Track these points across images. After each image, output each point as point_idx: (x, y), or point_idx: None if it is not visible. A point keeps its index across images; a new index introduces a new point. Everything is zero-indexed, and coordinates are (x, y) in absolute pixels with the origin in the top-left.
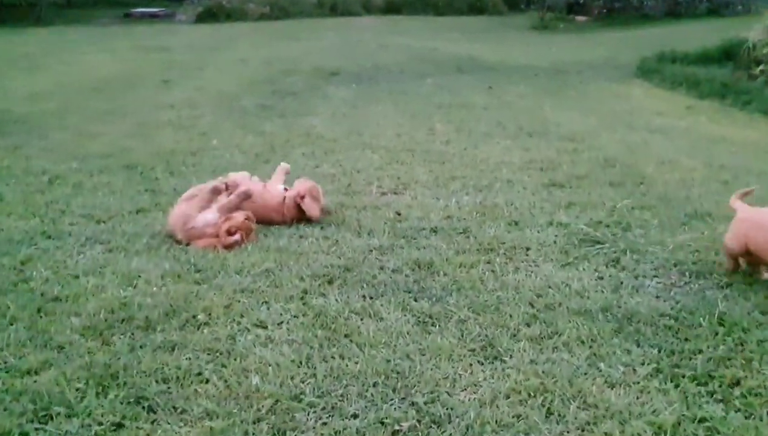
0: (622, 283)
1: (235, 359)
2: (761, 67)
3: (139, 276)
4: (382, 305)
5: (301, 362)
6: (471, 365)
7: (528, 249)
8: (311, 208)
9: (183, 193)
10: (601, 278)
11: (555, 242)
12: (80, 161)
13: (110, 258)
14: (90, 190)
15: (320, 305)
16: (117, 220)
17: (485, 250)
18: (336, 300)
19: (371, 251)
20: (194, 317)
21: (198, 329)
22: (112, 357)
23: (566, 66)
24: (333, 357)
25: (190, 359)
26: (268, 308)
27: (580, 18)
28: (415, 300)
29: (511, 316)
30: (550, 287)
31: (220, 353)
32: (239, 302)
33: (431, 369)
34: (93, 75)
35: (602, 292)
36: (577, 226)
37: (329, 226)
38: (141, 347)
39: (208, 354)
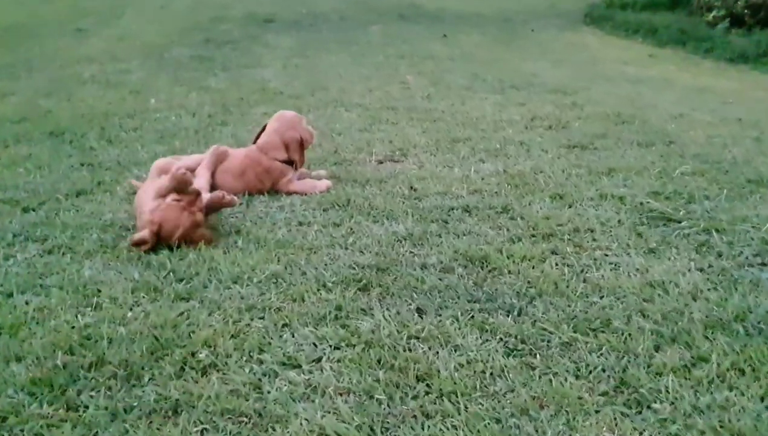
0: (732, 276)
1: (272, 429)
2: (714, 13)
3: (99, 291)
4: (450, 324)
5: (372, 431)
6: (615, 420)
7: (592, 231)
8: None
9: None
10: (702, 271)
11: (620, 222)
12: None
13: (52, 263)
14: (7, 166)
15: (366, 328)
16: (51, 206)
17: (544, 235)
18: (385, 319)
19: (400, 241)
20: (193, 354)
21: (203, 374)
22: None
23: (510, 14)
24: (416, 420)
25: (204, 432)
26: (293, 335)
27: None
28: (489, 314)
29: (630, 335)
30: (653, 287)
31: (247, 419)
32: (250, 326)
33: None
34: None
35: (717, 290)
36: (635, 199)
37: (332, 207)
38: (126, 411)
39: (231, 421)
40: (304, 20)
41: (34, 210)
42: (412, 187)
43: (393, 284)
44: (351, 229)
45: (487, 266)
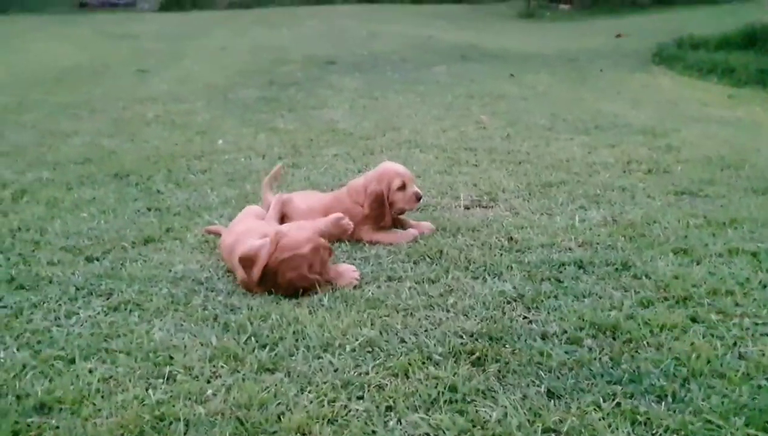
0: None
1: None
2: None
3: (172, 358)
4: (594, 413)
5: None
6: None
7: (732, 294)
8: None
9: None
10: None
11: (761, 283)
12: (51, 169)
13: (118, 323)
14: (70, 210)
15: (490, 417)
16: (117, 255)
17: (678, 299)
18: (511, 404)
19: (509, 303)
20: None
21: None
22: None
23: (574, 54)
24: None
25: None
26: (401, 422)
27: (564, 6)
28: (637, 400)
29: None
30: None
31: None
32: (348, 408)
33: None
34: (52, 64)
35: None
36: None
37: (423, 259)
38: None
39: None
40: (365, 62)
41: (98, 260)
42: (511, 238)
43: (512, 357)
44: (449, 286)
45: (619, 336)
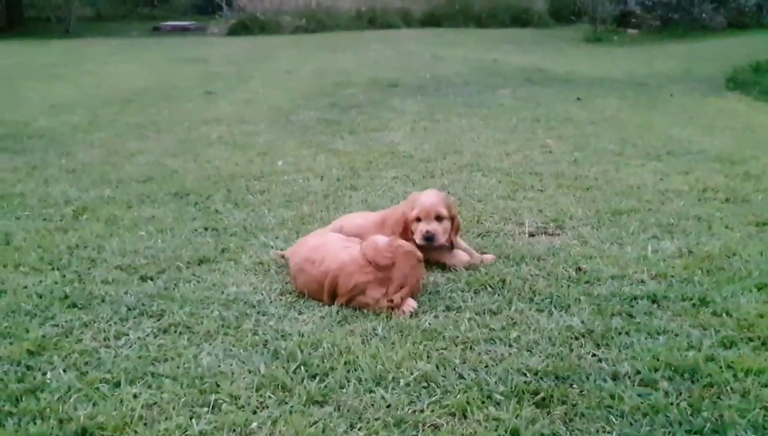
0: None
1: None
2: None
3: (218, 386)
4: None
5: None
6: None
7: None
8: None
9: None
10: None
11: None
12: (114, 187)
13: (167, 346)
14: (128, 229)
15: None
16: (171, 276)
17: (765, 339)
18: None
19: (577, 338)
20: None
21: None
22: None
23: (643, 78)
24: None
25: None
26: None
27: (632, 31)
28: None
29: None
30: None
31: None
32: None
33: None
34: (123, 86)
35: None
36: None
37: (484, 288)
38: None
39: None
40: (428, 85)
41: (152, 279)
42: (579, 268)
43: (579, 399)
44: (512, 319)
45: (699, 380)
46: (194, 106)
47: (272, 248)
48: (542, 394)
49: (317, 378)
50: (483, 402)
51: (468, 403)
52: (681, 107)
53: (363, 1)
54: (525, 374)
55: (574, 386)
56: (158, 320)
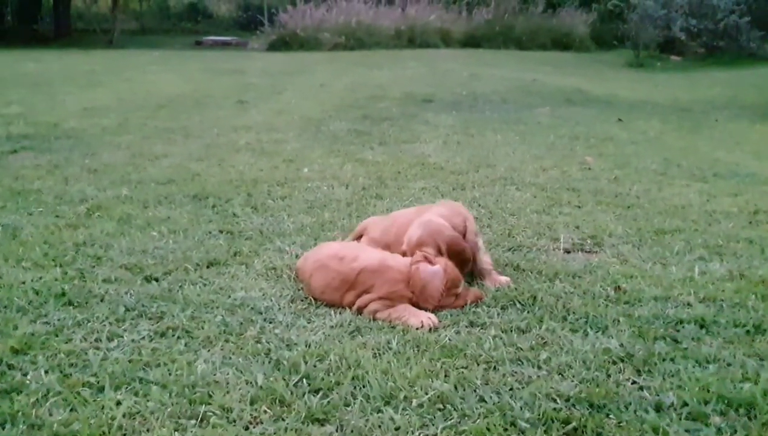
0: None
1: None
2: None
3: (210, 396)
4: None
5: None
6: None
7: None
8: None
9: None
10: None
11: None
12: (132, 187)
13: (161, 350)
14: (141, 228)
15: None
16: (177, 277)
17: None
18: None
19: (615, 363)
20: None
21: None
22: None
23: (687, 104)
24: None
25: None
26: None
27: (675, 58)
28: None
29: None
30: None
31: None
32: None
33: None
34: (158, 93)
35: None
36: None
37: (513, 304)
38: None
39: None
40: (463, 101)
41: (156, 280)
42: (618, 287)
43: (617, 432)
44: (542, 338)
45: (756, 416)
46: (225, 114)
47: (288, 253)
48: (574, 423)
49: (320, 393)
50: (505, 429)
51: (488, 429)
52: (727, 133)
53: (403, 20)
54: (555, 400)
55: (611, 416)
56: (157, 323)
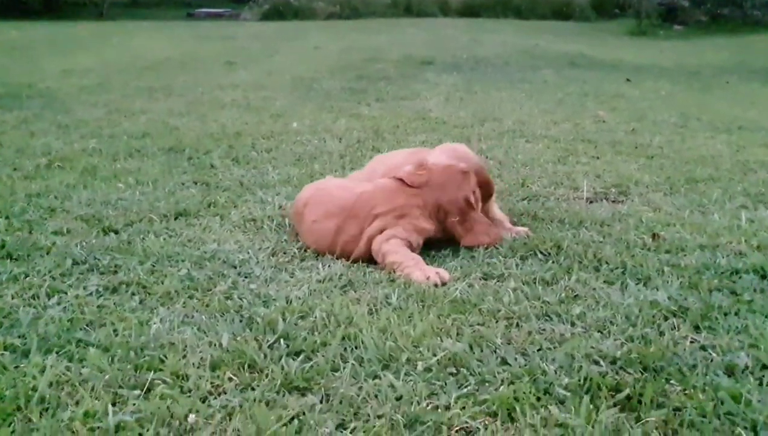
0: None
1: None
2: None
3: (162, 362)
4: None
5: None
6: None
7: None
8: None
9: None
10: None
11: None
12: (103, 141)
13: (110, 308)
14: (106, 179)
15: None
16: (140, 228)
17: None
18: None
19: (666, 317)
20: None
21: None
22: None
23: (694, 68)
24: None
25: None
26: None
27: (678, 27)
28: None
29: None
30: None
31: None
32: None
33: None
34: (144, 57)
35: None
36: None
37: (533, 254)
38: None
39: None
40: (465, 64)
41: (116, 232)
42: (655, 235)
43: (686, 401)
44: (572, 291)
45: None
46: (212, 75)
47: (270, 204)
48: (627, 391)
49: (301, 356)
50: (538, 398)
51: (516, 399)
52: (740, 93)
53: None
54: (597, 362)
55: (672, 381)
56: (109, 277)
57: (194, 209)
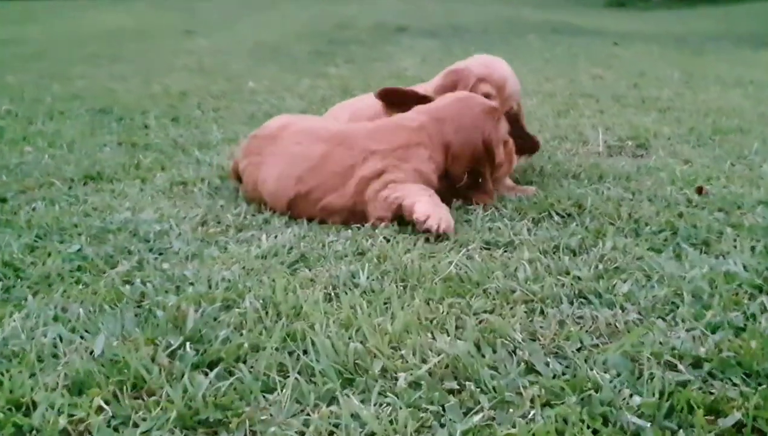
0: None
1: None
2: None
3: (7, 370)
4: None
5: None
6: None
7: None
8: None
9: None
10: None
11: None
12: (21, 104)
13: None
14: (12, 143)
15: None
16: (34, 196)
17: None
18: None
19: (752, 296)
20: None
21: None
22: None
23: (680, 35)
24: None
25: None
26: None
27: None
28: None
29: None
30: None
31: None
32: None
33: None
34: (96, 27)
35: None
36: None
37: (548, 215)
38: None
39: None
40: (442, 31)
41: (3, 200)
42: (700, 188)
43: None
44: (611, 261)
45: None
46: (168, 42)
47: (207, 165)
48: (737, 414)
49: (216, 370)
50: (595, 431)
51: (559, 433)
52: (734, 56)
53: None
54: (674, 366)
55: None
56: None
57: (110, 173)
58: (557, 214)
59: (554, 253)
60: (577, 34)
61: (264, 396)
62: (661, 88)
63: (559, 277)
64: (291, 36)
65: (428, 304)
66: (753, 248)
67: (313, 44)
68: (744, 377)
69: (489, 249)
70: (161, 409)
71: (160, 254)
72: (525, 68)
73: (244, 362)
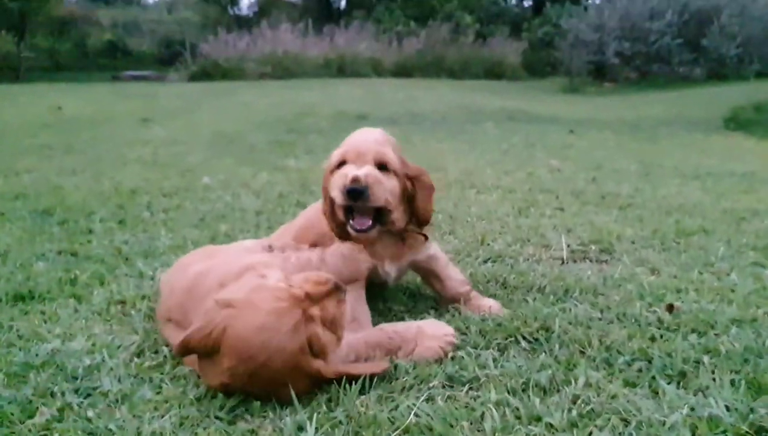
0: None
1: None
2: None
3: None
4: None
5: None
6: None
7: None
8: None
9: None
10: None
11: None
12: None
13: None
14: None
15: None
16: None
17: None
18: None
19: (725, 433)
20: None
21: None
22: None
23: (633, 121)
24: None
25: None
26: None
27: (609, 84)
28: None
29: None
30: None
31: None
32: None
33: None
34: (50, 114)
35: None
36: None
37: (514, 341)
38: None
39: None
40: (401, 118)
41: None
42: (670, 306)
43: None
44: (584, 402)
45: None
46: (123, 131)
47: (149, 278)
48: None
49: None
50: None
51: None
52: (687, 143)
53: (332, 50)
54: None
55: None
56: None
57: (43, 290)
58: (524, 338)
59: (523, 391)
60: (532, 122)
61: None
62: (619, 183)
63: (530, 426)
64: (250, 124)
65: None
66: (733, 382)
67: (272, 133)
68: None
69: (453, 387)
70: None
71: (88, 395)
72: (483, 160)
73: None
